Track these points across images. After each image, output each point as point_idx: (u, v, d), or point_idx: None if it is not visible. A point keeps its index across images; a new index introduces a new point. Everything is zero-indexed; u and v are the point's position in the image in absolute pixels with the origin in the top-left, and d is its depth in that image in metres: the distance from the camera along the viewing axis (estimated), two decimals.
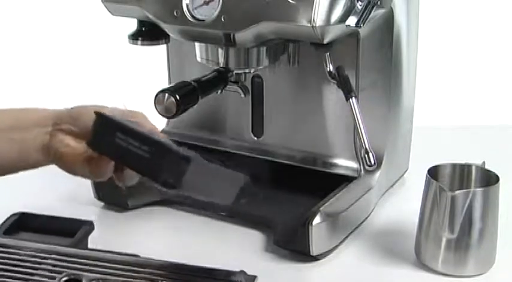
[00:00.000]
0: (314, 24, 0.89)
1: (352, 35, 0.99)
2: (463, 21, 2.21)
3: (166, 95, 0.95)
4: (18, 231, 0.99)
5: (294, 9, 0.90)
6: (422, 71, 1.20)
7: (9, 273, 0.87)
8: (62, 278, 0.85)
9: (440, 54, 2.11)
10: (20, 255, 0.90)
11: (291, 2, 0.90)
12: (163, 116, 0.97)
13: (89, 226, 0.97)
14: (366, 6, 0.91)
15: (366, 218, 1.07)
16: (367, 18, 0.91)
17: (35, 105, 0.84)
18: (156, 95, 0.96)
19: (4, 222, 0.98)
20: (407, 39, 1.10)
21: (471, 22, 2.22)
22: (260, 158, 1.14)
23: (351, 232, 1.03)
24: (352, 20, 0.90)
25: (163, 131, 1.22)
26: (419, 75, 1.18)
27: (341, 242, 1.01)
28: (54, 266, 0.87)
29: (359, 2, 0.91)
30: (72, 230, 0.96)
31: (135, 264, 0.87)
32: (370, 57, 1.04)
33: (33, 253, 0.89)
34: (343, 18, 0.90)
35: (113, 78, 2.17)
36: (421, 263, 0.96)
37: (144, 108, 1.04)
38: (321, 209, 0.96)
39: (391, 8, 1.02)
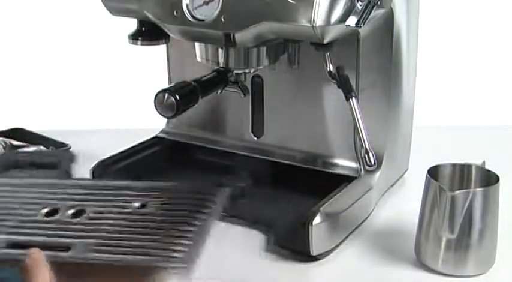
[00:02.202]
0: (314, 24, 0.89)
1: (352, 35, 0.99)
2: (463, 21, 2.21)
3: (166, 95, 0.95)
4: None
5: (294, 9, 0.90)
6: (422, 71, 1.20)
7: None
8: (41, 209, 0.84)
9: (440, 54, 2.11)
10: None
11: (291, 2, 0.90)
12: (163, 116, 0.97)
13: (69, 155, 0.95)
14: (366, 6, 0.91)
15: (366, 218, 1.07)
16: (367, 18, 0.91)
17: (35, 105, 0.84)
18: (156, 95, 0.96)
19: None
20: (407, 39, 1.10)
21: (471, 22, 2.22)
22: (260, 158, 1.14)
23: (351, 232, 1.03)
24: (352, 20, 0.90)
25: (163, 131, 1.23)
26: (419, 75, 1.18)
27: (341, 242, 1.01)
28: (32, 197, 0.87)
29: (359, 2, 0.91)
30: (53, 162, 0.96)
31: (110, 188, 0.85)
32: (370, 57, 1.04)
33: (11, 188, 0.88)
34: (343, 18, 0.90)
35: (113, 78, 2.16)
36: (421, 263, 0.96)
37: (144, 108, 1.05)
38: (321, 209, 0.96)
39: (391, 8, 1.02)
